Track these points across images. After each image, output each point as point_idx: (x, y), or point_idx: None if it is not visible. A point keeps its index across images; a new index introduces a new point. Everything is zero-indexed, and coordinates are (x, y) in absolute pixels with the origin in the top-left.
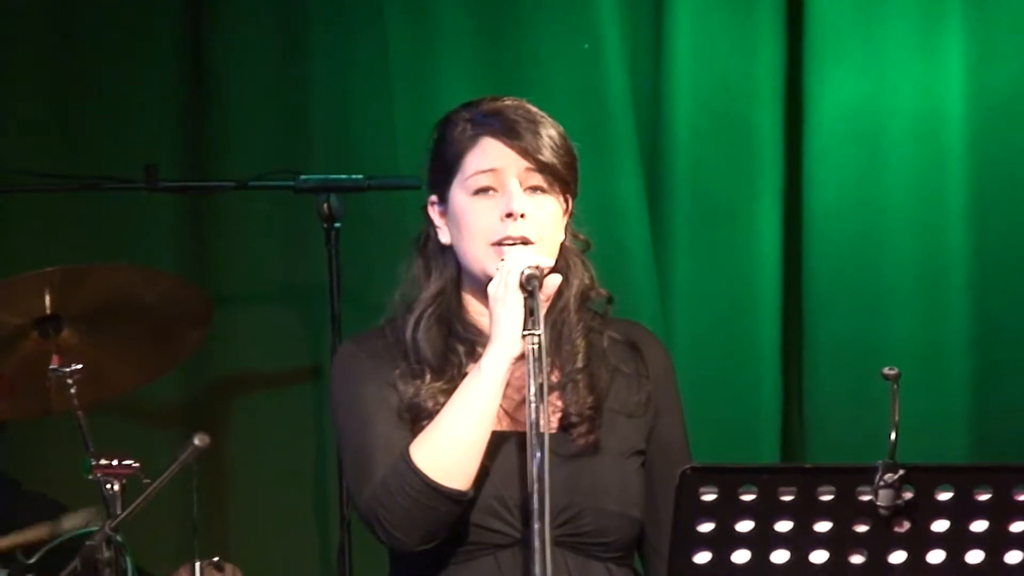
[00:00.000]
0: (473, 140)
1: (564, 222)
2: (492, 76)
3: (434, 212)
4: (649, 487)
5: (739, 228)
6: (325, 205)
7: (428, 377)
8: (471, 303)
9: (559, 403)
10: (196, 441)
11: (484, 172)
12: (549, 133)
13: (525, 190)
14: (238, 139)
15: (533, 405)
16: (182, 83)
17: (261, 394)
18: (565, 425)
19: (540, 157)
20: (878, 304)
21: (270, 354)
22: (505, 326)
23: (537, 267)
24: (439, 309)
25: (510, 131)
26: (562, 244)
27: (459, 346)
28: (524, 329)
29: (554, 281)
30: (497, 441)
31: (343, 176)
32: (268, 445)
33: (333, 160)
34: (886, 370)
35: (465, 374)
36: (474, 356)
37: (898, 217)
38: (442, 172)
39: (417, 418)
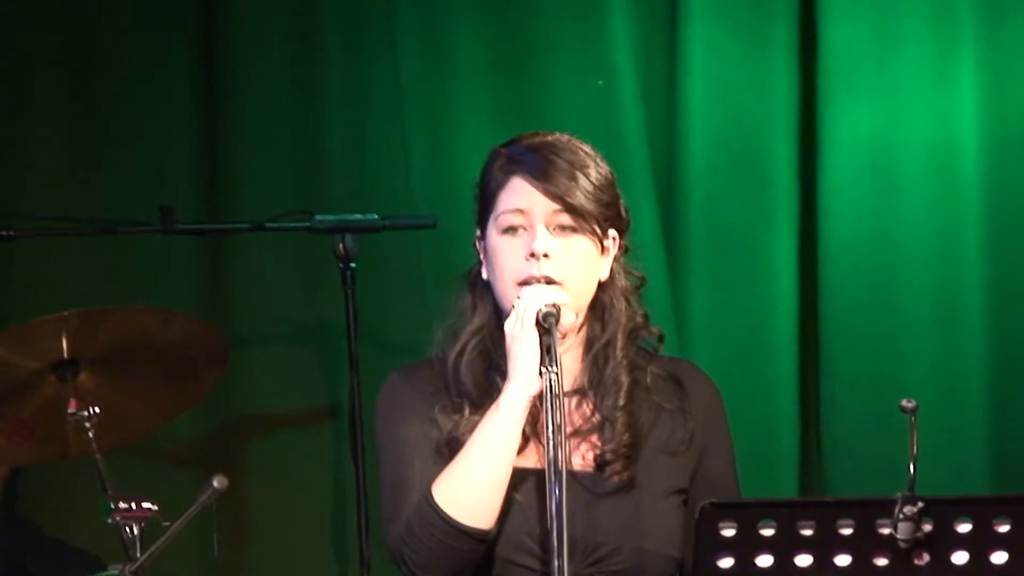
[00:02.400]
0: (506, 178)
1: (602, 261)
2: (507, 113)
3: (480, 247)
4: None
5: (755, 261)
6: (341, 245)
7: (467, 411)
8: None
9: (596, 441)
10: (215, 483)
11: (512, 212)
12: (586, 172)
13: (553, 229)
14: (254, 179)
15: (551, 442)
16: (197, 124)
17: (279, 434)
18: (600, 463)
19: (569, 200)
20: (895, 336)
21: (288, 394)
22: (522, 364)
23: (553, 304)
24: (481, 343)
25: (542, 172)
26: (604, 282)
27: (499, 380)
28: (541, 366)
29: (570, 319)
30: (527, 478)
31: (358, 216)
32: (287, 485)
33: (348, 199)
34: (904, 402)
35: None
36: None
37: (914, 249)
38: (482, 207)
39: (455, 452)
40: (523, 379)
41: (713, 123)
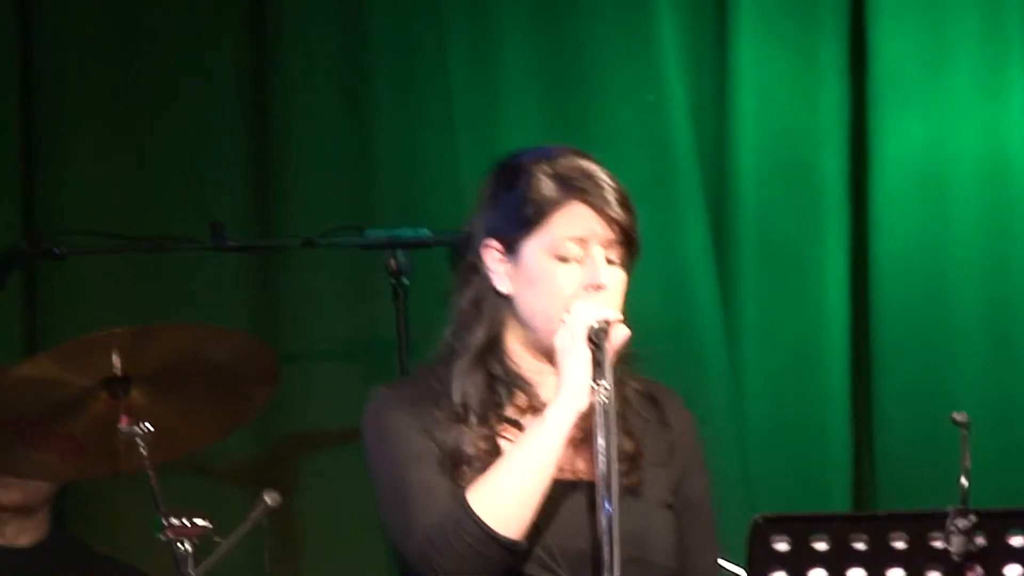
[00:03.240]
0: (562, 201)
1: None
2: (557, 127)
3: (491, 258)
4: (682, 546)
5: (806, 275)
6: (392, 260)
7: (473, 423)
8: (517, 351)
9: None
10: (267, 499)
11: (574, 240)
12: (624, 199)
13: (605, 259)
14: (304, 194)
15: (602, 458)
16: (246, 138)
17: (330, 451)
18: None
19: (623, 226)
20: (947, 349)
21: (339, 411)
22: (572, 378)
23: (605, 320)
24: (486, 355)
25: (602, 199)
26: None
27: (502, 392)
28: (592, 381)
29: (622, 333)
30: (550, 491)
31: (409, 231)
32: (338, 502)
33: (400, 214)
34: (956, 415)
35: (507, 420)
36: (516, 404)
37: (965, 261)
38: (515, 223)
39: (458, 463)
40: (574, 393)
41: (763, 137)
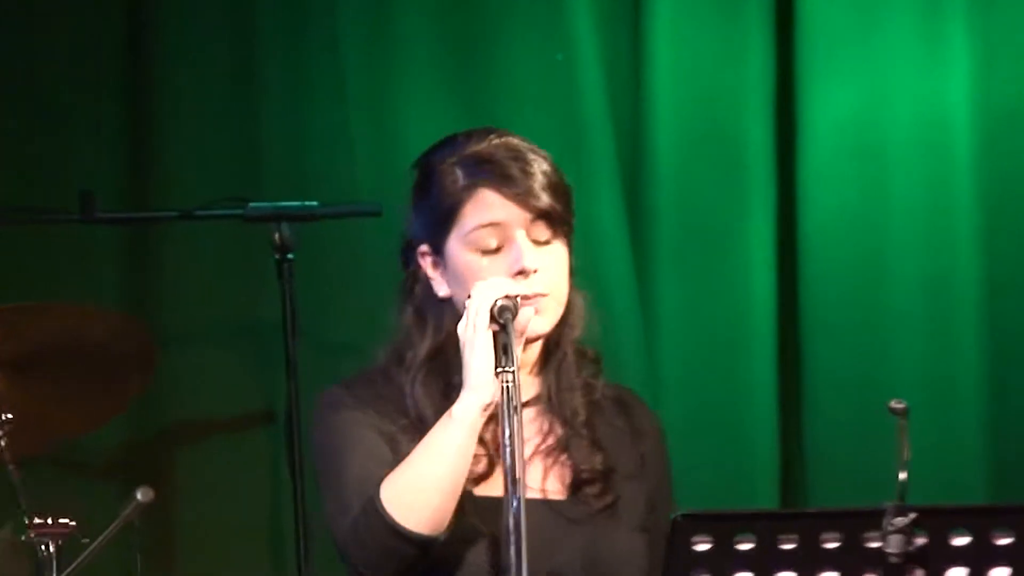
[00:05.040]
0: (468, 191)
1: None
2: (458, 91)
3: (426, 263)
4: (651, 567)
5: (729, 252)
6: (277, 235)
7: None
8: None
9: (567, 462)
10: (139, 496)
11: (486, 227)
12: (543, 170)
13: (531, 239)
14: (184, 165)
15: (508, 449)
16: (122, 105)
17: (210, 443)
18: (576, 484)
19: (545, 206)
20: (883, 331)
21: (219, 399)
22: (476, 370)
23: (508, 296)
24: (437, 365)
25: (506, 178)
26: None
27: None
28: (497, 367)
29: (528, 314)
30: (495, 507)
31: (295, 203)
32: (218, 499)
33: (286, 189)
34: (893, 403)
35: None
36: None
37: (903, 237)
38: (435, 223)
39: None
40: (476, 386)
41: (682, 101)
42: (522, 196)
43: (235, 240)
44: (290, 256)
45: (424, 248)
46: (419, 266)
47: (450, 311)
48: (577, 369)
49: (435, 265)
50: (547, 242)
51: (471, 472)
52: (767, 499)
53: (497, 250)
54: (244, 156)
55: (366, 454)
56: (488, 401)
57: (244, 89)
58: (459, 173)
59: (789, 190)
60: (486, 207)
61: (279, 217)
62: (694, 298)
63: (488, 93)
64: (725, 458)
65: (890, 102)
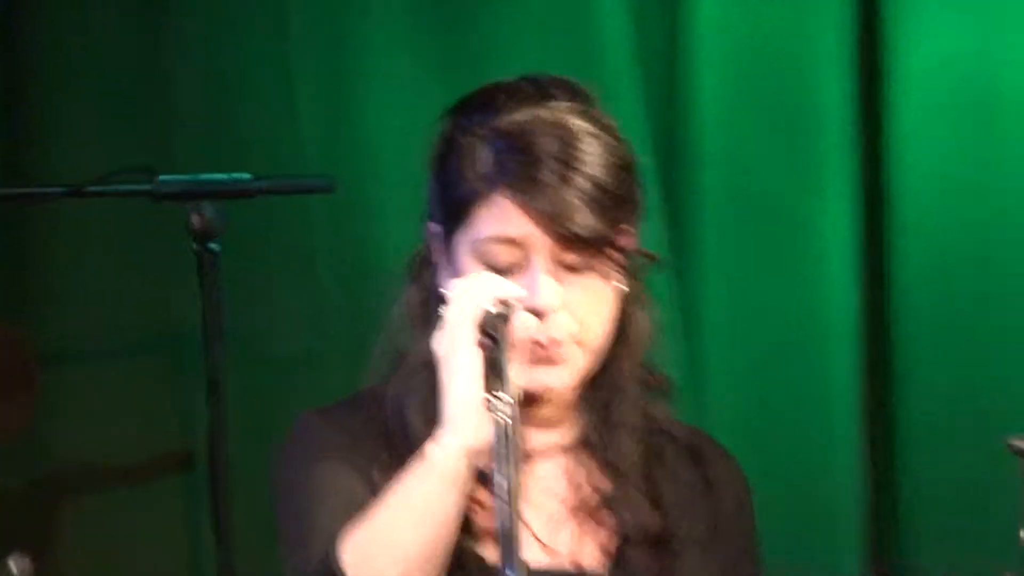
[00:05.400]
0: (485, 191)
1: (616, 292)
2: (433, 30)
3: (436, 243)
4: None
5: (796, 239)
6: (196, 216)
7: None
8: None
9: (611, 521)
10: (12, 567)
11: (499, 242)
12: (594, 173)
13: (556, 265)
14: (73, 129)
15: (502, 502)
16: None
17: (108, 491)
18: (621, 552)
19: (571, 228)
20: (995, 342)
21: (121, 433)
22: (456, 399)
23: (501, 301)
24: (435, 375)
25: (534, 185)
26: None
27: None
28: (487, 394)
29: (528, 320)
30: None
31: (221, 175)
32: (120, 559)
33: (209, 158)
34: (1014, 440)
35: None
36: None
37: (1020, 216)
38: (445, 207)
39: None
40: (457, 427)
41: (730, 46)
42: (549, 217)
43: (141, 223)
44: (213, 245)
45: (434, 227)
46: (428, 246)
47: None
48: (636, 402)
49: (441, 252)
50: (579, 270)
51: (476, 527)
52: (849, 548)
53: (509, 270)
54: (153, 116)
55: (339, 502)
56: (473, 444)
57: (152, 26)
58: (483, 155)
59: (873, 158)
60: (503, 218)
61: (198, 194)
62: (750, 296)
63: (477, 30)
64: (791, 498)
65: (1007, 42)
